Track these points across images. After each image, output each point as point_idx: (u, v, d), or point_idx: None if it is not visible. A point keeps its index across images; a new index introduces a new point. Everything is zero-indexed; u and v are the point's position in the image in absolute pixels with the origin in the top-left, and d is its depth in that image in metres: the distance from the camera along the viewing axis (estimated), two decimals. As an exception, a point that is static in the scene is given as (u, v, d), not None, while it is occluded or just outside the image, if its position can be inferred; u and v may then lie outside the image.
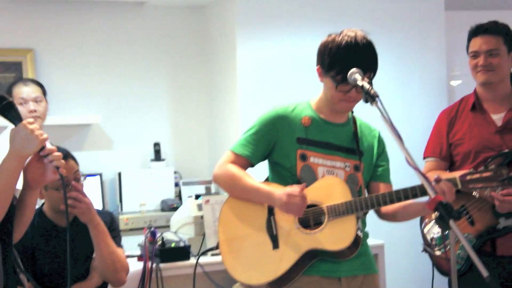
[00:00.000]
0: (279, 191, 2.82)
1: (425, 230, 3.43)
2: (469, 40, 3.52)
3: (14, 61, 5.62)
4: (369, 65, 2.82)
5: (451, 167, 3.47)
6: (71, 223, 3.51)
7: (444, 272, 3.45)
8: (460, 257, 3.35)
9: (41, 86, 4.62)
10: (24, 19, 5.64)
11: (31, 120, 2.33)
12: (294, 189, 2.77)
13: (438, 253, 3.38)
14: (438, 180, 2.85)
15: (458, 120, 3.48)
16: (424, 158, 3.63)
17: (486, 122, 3.44)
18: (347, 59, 2.78)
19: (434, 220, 3.33)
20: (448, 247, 3.30)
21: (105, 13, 5.85)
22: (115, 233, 3.69)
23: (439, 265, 3.49)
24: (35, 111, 4.51)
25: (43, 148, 2.32)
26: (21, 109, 4.37)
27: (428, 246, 3.40)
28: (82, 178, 3.56)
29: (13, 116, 2.34)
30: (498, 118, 3.45)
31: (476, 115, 3.47)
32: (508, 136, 3.40)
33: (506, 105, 3.48)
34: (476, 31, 3.48)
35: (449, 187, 2.81)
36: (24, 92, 4.52)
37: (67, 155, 3.54)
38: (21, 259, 2.94)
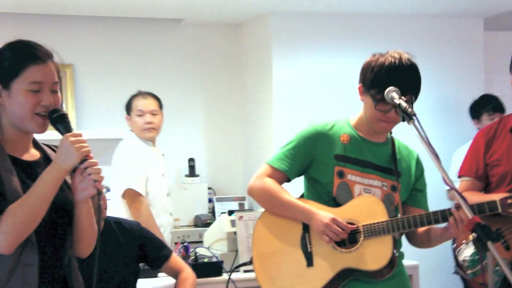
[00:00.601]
0: (321, 212, 2.79)
1: (457, 252, 3.36)
2: None
3: (53, 75, 5.66)
4: (411, 87, 2.80)
5: (487, 188, 3.38)
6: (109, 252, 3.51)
7: None
8: (494, 282, 3.27)
9: (158, 100, 4.89)
10: (64, 35, 5.69)
11: (77, 132, 2.28)
12: (340, 220, 2.75)
13: (470, 275, 3.31)
14: (458, 207, 2.79)
15: (496, 141, 3.41)
16: (459, 177, 3.54)
17: None
18: (389, 79, 2.76)
19: (466, 242, 3.29)
20: (477, 269, 3.26)
21: (142, 29, 5.89)
22: (156, 240, 3.68)
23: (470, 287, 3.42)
24: (151, 123, 4.76)
25: (84, 160, 2.26)
26: (139, 120, 4.79)
27: (460, 268, 3.33)
28: (104, 190, 3.51)
29: (64, 128, 2.29)
30: None
31: None
32: None
33: None
34: None
35: (465, 218, 2.66)
36: (141, 104, 4.81)
37: None
38: None
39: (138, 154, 4.87)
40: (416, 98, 2.83)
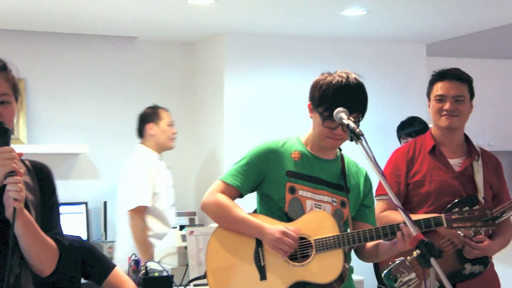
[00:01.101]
0: (271, 226, 2.81)
1: (383, 273, 3.39)
2: (432, 84, 3.47)
3: (5, 90, 5.59)
4: (357, 105, 2.82)
5: (406, 206, 3.30)
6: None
7: None
8: None
9: None
10: (17, 50, 5.63)
11: (4, 150, 2.20)
12: (289, 229, 2.77)
13: None
14: (426, 220, 2.86)
15: (417, 161, 3.45)
16: (377, 195, 3.46)
17: (445, 167, 3.42)
18: (336, 98, 2.79)
19: (397, 263, 3.33)
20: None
21: (96, 46, 5.87)
22: (98, 255, 3.60)
23: None
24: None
25: (11, 174, 2.17)
26: (169, 130, 5.28)
27: (384, 285, 3.36)
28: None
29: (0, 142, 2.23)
30: (455, 163, 3.44)
31: (434, 158, 3.44)
32: (465, 182, 3.38)
33: (460, 151, 3.47)
34: (442, 76, 3.43)
35: (409, 235, 2.68)
36: (171, 116, 5.28)
37: None
38: None
39: (151, 170, 5.11)
40: (362, 116, 2.85)
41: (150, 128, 5.15)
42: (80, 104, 5.82)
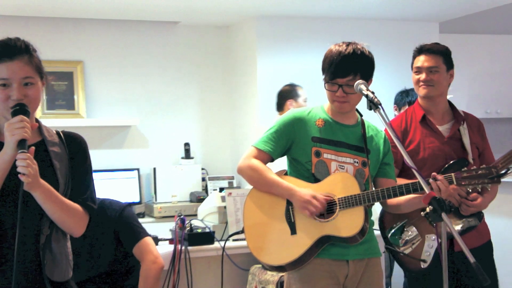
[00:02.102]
0: (303, 189, 2.80)
1: (387, 233, 3.36)
2: (414, 57, 3.42)
3: (66, 71, 5.64)
4: (351, 68, 2.78)
5: (404, 173, 3.29)
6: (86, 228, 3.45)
7: (409, 269, 3.35)
8: (427, 257, 3.29)
9: None
10: (75, 36, 5.66)
11: (17, 118, 2.19)
12: (319, 196, 2.77)
13: (403, 252, 3.31)
14: (435, 178, 2.82)
15: (410, 131, 3.40)
16: None
17: (435, 133, 3.36)
18: (331, 62, 2.80)
19: (400, 224, 3.30)
20: (408, 246, 3.27)
21: (144, 31, 5.86)
22: (130, 225, 3.56)
23: (406, 264, 3.37)
24: None
25: (22, 150, 2.16)
26: (304, 105, 4.71)
27: (391, 245, 3.33)
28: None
29: None
30: (443, 129, 3.38)
31: (425, 127, 3.38)
32: (454, 146, 3.33)
33: (447, 117, 3.40)
34: (420, 50, 3.38)
35: (445, 185, 2.79)
36: (304, 93, 4.97)
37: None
38: None
39: None
40: (367, 77, 2.81)
41: (291, 104, 5.05)
42: (131, 82, 5.84)
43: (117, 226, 3.51)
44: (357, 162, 2.89)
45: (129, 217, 3.59)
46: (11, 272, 2.19)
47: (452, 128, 3.37)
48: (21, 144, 2.16)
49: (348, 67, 2.78)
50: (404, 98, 5.18)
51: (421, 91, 3.37)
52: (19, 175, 2.14)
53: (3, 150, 2.19)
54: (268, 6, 5.39)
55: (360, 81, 2.76)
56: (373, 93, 2.73)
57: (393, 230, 3.32)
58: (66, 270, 2.36)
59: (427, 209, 2.62)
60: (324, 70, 2.86)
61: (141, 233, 3.56)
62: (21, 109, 2.21)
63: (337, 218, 2.80)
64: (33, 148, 2.19)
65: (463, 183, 2.85)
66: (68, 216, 2.30)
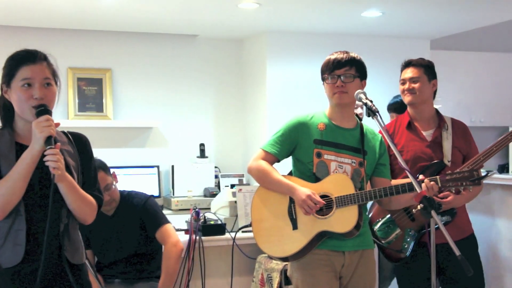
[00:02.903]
0: (302, 188, 2.80)
1: (373, 226, 3.35)
2: (401, 71, 3.45)
3: (96, 77, 5.63)
4: (347, 61, 2.87)
5: (391, 173, 3.24)
6: (115, 215, 3.49)
7: (391, 259, 3.37)
8: (405, 248, 3.29)
9: None
10: (104, 46, 5.66)
11: (44, 117, 2.20)
12: (315, 195, 2.77)
13: (385, 244, 3.31)
14: (422, 180, 2.81)
15: (397, 136, 3.41)
16: None
17: (419, 138, 3.36)
18: (328, 62, 2.90)
19: (380, 219, 3.29)
20: (391, 238, 3.27)
21: (166, 43, 5.86)
22: (153, 213, 3.59)
23: (387, 254, 3.39)
24: None
25: (50, 147, 2.17)
26: None
27: (376, 238, 3.32)
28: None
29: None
30: (427, 134, 3.37)
31: (410, 131, 3.38)
32: (436, 149, 3.32)
33: (432, 124, 3.40)
34: (406, 65, 3.43)
35: (432, 185, 2.78)
36: None
37: (99, 167, 3.31)
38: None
39: None
40: (361, 72, 2.89)
41: None
42: (154, 88, 5.84)
43: (142, 214, 3.56)
44: (355, 162, 2.89)
45: (153, 205, 3.64)
46: (35, 254, 2.22)
47: (434, 133, 3.36)
48: (48, 140, 2.18)
49: (345, 60, 2.86)
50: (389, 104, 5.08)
51: (406, 99, 3.40)
52: (50, 169, 2.15)
53: (31, 146, 2.20)
54: (278, 22, 5.40)
55: (360, 90, 2.80)
56: (371, 101, 2.75)
57: (378, 224, 3.32)
58: (82, 254, 2.39)
59: (418, 207, 2.61)
60: (323, 71, 2.92)
61: (163, 220, 3.62)
62: (45, 109, 2.24)
63: (334, 215, 2.80)
64: (59, 144, 2.22)
65: (447, 184, 2.84)
66: (85, 205, 2.33)
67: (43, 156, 2.18)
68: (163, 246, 3.57)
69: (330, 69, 2.86)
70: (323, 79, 2.93)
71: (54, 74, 2.33)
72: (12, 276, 2.22)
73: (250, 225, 3.59)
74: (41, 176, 2.24)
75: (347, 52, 2.92)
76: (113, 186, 3.53)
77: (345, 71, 2.84)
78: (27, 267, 2.24)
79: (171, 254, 3.51)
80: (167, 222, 3.62)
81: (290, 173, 3.02)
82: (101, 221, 3.44)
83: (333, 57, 2.90)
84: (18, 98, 2.24)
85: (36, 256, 2.23)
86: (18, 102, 2.25)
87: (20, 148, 2.26)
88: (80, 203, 2.30)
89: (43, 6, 4.71)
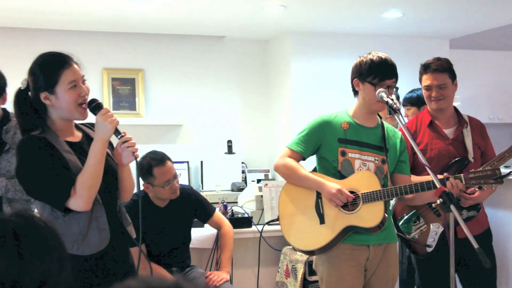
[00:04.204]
0: (331, 183, 2.77)
1: (398, 221, 3.30)
2: (421, 75, 3.32)
3: (129, 77, 5.66)
4: (394, 72, 2.81)
5: (414, 170, 3.21)
6: (168, 206, 3.53)
7: (416, 253, 3.31)
8: (432, 242, 3.23)
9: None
10: (137, 48, 5.68)
11: (105, 110, 2.26)
12: (344, 190, 2.74)
13: (411, 239, 3.25)
14: (447, 178, 2.78)
15: (419, 134, 3.34)
16: None
17: (441, 136, 3.29)
18: (380, 67, 2.78)
19: (406, 214, 3.24)
20: (416, 233, 3.22)
21: (195, 43, 5.87)
22: (204, 203, 3.70)
23: (413, 248, 3.33)
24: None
25: (121, 135, 2.27)
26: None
27: (401, 233, 3.27)
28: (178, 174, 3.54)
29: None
30: (449, 132, 3.30)
31: (432, 130, 3.31)
32: (458, 146, 3.26)
33: (452, 121, 3.32)
34: (426, 68, 3.27)
35: (457, 182, 2.75)
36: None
37: (163, 158, 3.47)
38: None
39: None
40: (396, 81, 2.83)
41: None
42: (184, 87, 5.85)
43: (196, 204, 3.65)
44: (378, 160, 2.85)
45: (200, 195, 3.77)
46: (102, 230, 2.28)
47: (456, 131, 3.30)
48: (116, 129, 2.26)
49: (394, 71, 2.80)
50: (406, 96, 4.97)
51: (433, 105, 3.29)
52: (133, 153, 2.28)
53: (99, 136, 2.24)
54: (302, 23, 5.36)
55: (380, 89, 2.73)
56: (392, 100, 2.70)
57: (403, 220, 3.28)
58: (133, 230, 2.45)
59: (438, 201, 2.58)
60: (369, 73, 2.78)
61: (212, 207, 3.75)
62: (99, 103, 2.29)
63: (361, 211, 2.76)
64: (125, 131, 2.30)
65: (471, 182, 2.81)
66: (131, 185, 2.42)
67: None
68: (220, 229, 3.72)
69: (381, 77, 2.76)
70: (363, 79, 2.81)
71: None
72: (97, 260, 2.26)
73: (277, 219, 3.57)
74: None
75: (391, 60, 2.83)
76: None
77: (392, 82, 2.80)
78: (111, 248, 2.30)
79: (230, 234, 3.70)
80: (215, 208, 3.75)
81: (314, 170, 2.98)
82: (155, 213, 3.47)
83: (381, 63, 2.79)
84: (67, 100, 2.23)
85: (115, 235, 2.31)
86: (66, 104, 2.24)
87: (69, 145, 2.29)
88: (131, 183, 2.41)
89: (80, 10, 4.73)
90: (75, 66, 2.27)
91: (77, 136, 2.36)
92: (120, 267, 2.34)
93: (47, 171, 2.18)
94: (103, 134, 2.23)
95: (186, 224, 3.61)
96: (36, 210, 2.33)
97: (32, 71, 2.25)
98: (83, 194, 2.17)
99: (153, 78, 5.73)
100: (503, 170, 4.27)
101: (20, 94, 2.27)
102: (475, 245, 2.42)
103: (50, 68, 2.24)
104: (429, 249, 3.21)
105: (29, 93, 2.26)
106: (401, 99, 4.39)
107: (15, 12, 4.75)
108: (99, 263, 2.26)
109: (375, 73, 2.76)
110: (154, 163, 3.41)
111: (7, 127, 3.00)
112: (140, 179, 3.46)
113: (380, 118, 2.96)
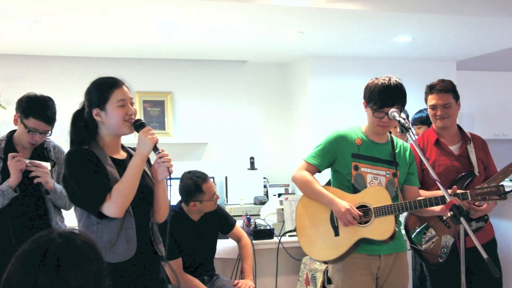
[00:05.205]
0: (341, 202, 2.76)
1: (410, 233, 3.27)
2: (426, 95, 3.32)
3: (159, 100, 5.72)
4: (397, 99, 2.76)
5: (423, 185, 3.19)
6: (200, 220, 3.56)
7: (429, 263, 3.28)
8: (444, 253, 3.20)
9: None
10: (166, 72, 5.76)
11: (147, 128, 2.30)
12: (353, 209, 2.73)
13: (424, 249, 3.22)
14: (455, 194, 2.77)
15: (426, 151, 3.32)
16: None
17: (447, 153, 3.28)
18: (381, 94, 2.75)
19: (418, 227, 3.21)
20: (428, 245, 3.18)
21: (219, 68, 5.92)
22: (227, 216, 3.73)
23: (425, 258, 3.30)
24: None
25: (159, 152, 2.28)
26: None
27: (414, 244, 3.24)
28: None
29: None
30: (454, 148, 3.29)
31: (438, 147, 3.30)
32: (463, 162, 3.25)
33: (456, 139, 3.32)
34: (431, 89, 3.28)
35: (464, 202, 2.75)
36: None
37: (205, 175, 3.58)
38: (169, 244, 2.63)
39: None
40: (403, 106, 2.79)
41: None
42: (209, 109, 5.90)
43: (221, 217, 3.68)
44: (389, 174, 2.85)
45: (224, 210, 3.79)
46: (142, 248, 2.29)
47: (461, 147, 3.30)
48: (155, 146, 2.29)
49: (394, 99, 2.75)
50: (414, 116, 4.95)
51: (438, 123, 3.30)
52: (168, 169, 2.26)
53: (139, 152, 2.28)
54: (318, 48, 5.40)
55: (393, 109, 2.72)
56: (404, 119, 2.70)
57: (415, 232, 3.25)
58: (162, 248, 2.44)
59: (449, 214, 2.56)
60: (371, 99, 2.77)
61: (234, 221, 3.76)
62: (142, 122, 2.34)
63: (373, 224, 2.76)
64: (163, 149, 2.31)
65: (477, 197, 2.80)
66: (166, 205, 2.38)
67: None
68: (240, 241, 3.74)
69: (380, 105, 2.74)
70: (367, 103, 2.81)
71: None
72: (123, 270, 2.26)
73: (294, 230, 3.57)
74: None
75: (396, 86, 2.76)
76: None
77: (396, 108, 2.75)
78: (138, 259, 2.29)
79: (249, 245, 3.73)
80: (235, 221, 3.78)
81: (329, 182, 2.98)
82: (190, 226, 3.53)
83: (383, 89, 2.75)
84: (115, 116, 2.29)
85: (143, 249, 2.30)
86: (115, 119, 2.30)
87: (112, 160, 2.32)
88: (166, 203, 2.37)
89: (117, 41, 4.83)
90: (125, 88, 2.35)
91: (122, 155, 2.40)
92: (147, 280, 2.33)
93: (88, 178, 2.23)
94: (143, 150, 2.26)
95: (214, 236, 3.64)
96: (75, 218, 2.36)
97: (88, 90, 2.36)
98: (117, 201, 2.20)
99: (181, 100, 5.79)
100: (509, 184, 4.24)
101: (77, 114, 2.37)
102: (484, 255, 2.39)
103: (103, 87, 2.33)
104: (441, 259, 3.18)
105: (85, 112, 2.36)
106: (410, 118, 4.38)
107: (66, 44, 4.89)
108: (126, 272, 2.27)
109: (375, 100, 2.75)
110: (200, 181, 3.50)
111: (47, 147, 3.05)
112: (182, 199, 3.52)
113: (390, 133, 2.94)
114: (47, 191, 2.92)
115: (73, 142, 2.36)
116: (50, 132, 2.98)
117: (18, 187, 2.87)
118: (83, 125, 2.34)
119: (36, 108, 2.89)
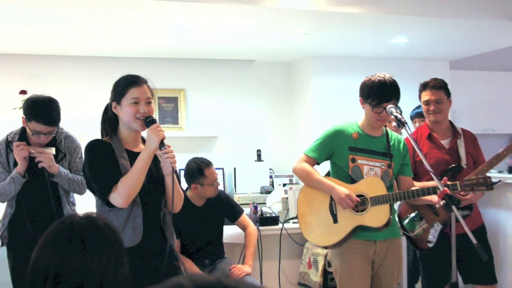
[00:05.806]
0: (340, 188, 2.78)
1: (403, 220, 3.30)
2: (420, 92, 3.36)
3: (173, 96, 5.75)
4: (393, 95, 2.78)
5: (415, 176, 3.20)
6: (204, 206, 3.56)
7: (419, 248, 3.31)
8: (432, 239, 3.23)
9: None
10: (179, 71, 5.78)
11: (155, 125, 2.27)
12: (352, 195, 2.75)
13: (414, 236, 3.25)
14: (446, 185, 2.79)
15: (419, 145, 3.33)
16: None
17: (438, 146, 3.31)
18: (379, 91, 2.76)
19: (408, 214, 3.24)
20: (418, 231, 3.21)
21: (228, 66, 5.93)
22: (234, 205, 3.72)
23: (416, 244, 3.33)
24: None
25: (164, 147, 2.25)
26: None
27: (405, 231, 3.28)
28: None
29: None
30: (445, 142, 3.32)
31: (430, 141, 3.33)
32: (453, 155, 3.28)
33: (448, 133, 3.34)
34: (425, 86, 3.32)
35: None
36: None
37: (209, 161, 3.55)
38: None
39: None
40: (398, 101, 2.80)
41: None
42: (219, 105, 5.92)
43: (227, 205, 3.68)
44: (384, 165, 2.86)
45: (232, 200, 3.78)
46: (150, 236, 2.29)
47: (451, 141, 3.33)
48: (162, 142, 2.26)
49: (391, 95, 2.77)
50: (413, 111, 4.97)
51: (431, 118, 3.33)
52: (168, 164, 2.25)
53: (147, 147, 2.25)
54: (321, 48, 5.42)
55: (390, 105, 2.74)
56: (400, 113, 2.72)
57: (407, 219, 3.28)
58: (173, 237, 2.44)
59: (441, 202, 2.58)
60: (369, 95, 2.77)
61: (241, 208, 3.75)
62: (153, 119, 2.30)
63: (369, 212, 2.78)
64: (169, 145, 2.30)
65: (466, 188, 2.82)
66: (178, 196, 2.37)
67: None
68: (246, 230, 3.71)
69: (378, 100, 2.74)
70: (364, 100, 2.82)
71: (152, 94, 2.37)
72: (132, 254, 2.29)
73: (296, 217, 3.61)
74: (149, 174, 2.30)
75: (392, 83, 2.77)
76: None
77: (392, 103, 2.77)
78: (144, 246, 2.28)
79: (254, 234, 3.69)
80: (243, 210, 3.76)
81: (328, 174, 3.01)
82: (193, 211, 3.54)
83: (380, 85, 2.75)
84: (127, 112, 2.29)
85: (151, 238, 2.29)
86: (127, 116, 2.30)
87: (128, 153, 2.32)
88: (177, 194, 2.33)
89: (135, 42, 4.88)
90: (146, 87, 2.32)
91: (141, 148, 2.37)
92: (155, 265, 2.30)
93: (99, 168, 2.25)
94: (150, 146, 2.25)
95: (218, 222, 3.64)
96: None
97: (113, 86, 2.36)
98: (122, 192, 2.20)
99: (193, 97, 5.83)
100: (496, 175, 4.26)
101: (106, 107, 2.40)
102: (474, 240, 2.42)
103: (123, 83, 2.33)
104: (429, 245, 3.21)
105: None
106: (403, 114, 4.38)
107: (89, 45, 4.96)
108: (133, 257, 2.29)
109: (374, 96, 2.76)
110: (203, 165, 3.52)
111: (58, 139, 3.09)
112: (185, 182, 3.53)
113: (385, 127, 2.97)
114: (52, 175, 2.95)
115: (101, 132, 2.39)
116: (55, 132, 2.98)
117: (26, 173, 2.92)
118: (108, 118, 2.36)
119: (38, 112, 2.87)
